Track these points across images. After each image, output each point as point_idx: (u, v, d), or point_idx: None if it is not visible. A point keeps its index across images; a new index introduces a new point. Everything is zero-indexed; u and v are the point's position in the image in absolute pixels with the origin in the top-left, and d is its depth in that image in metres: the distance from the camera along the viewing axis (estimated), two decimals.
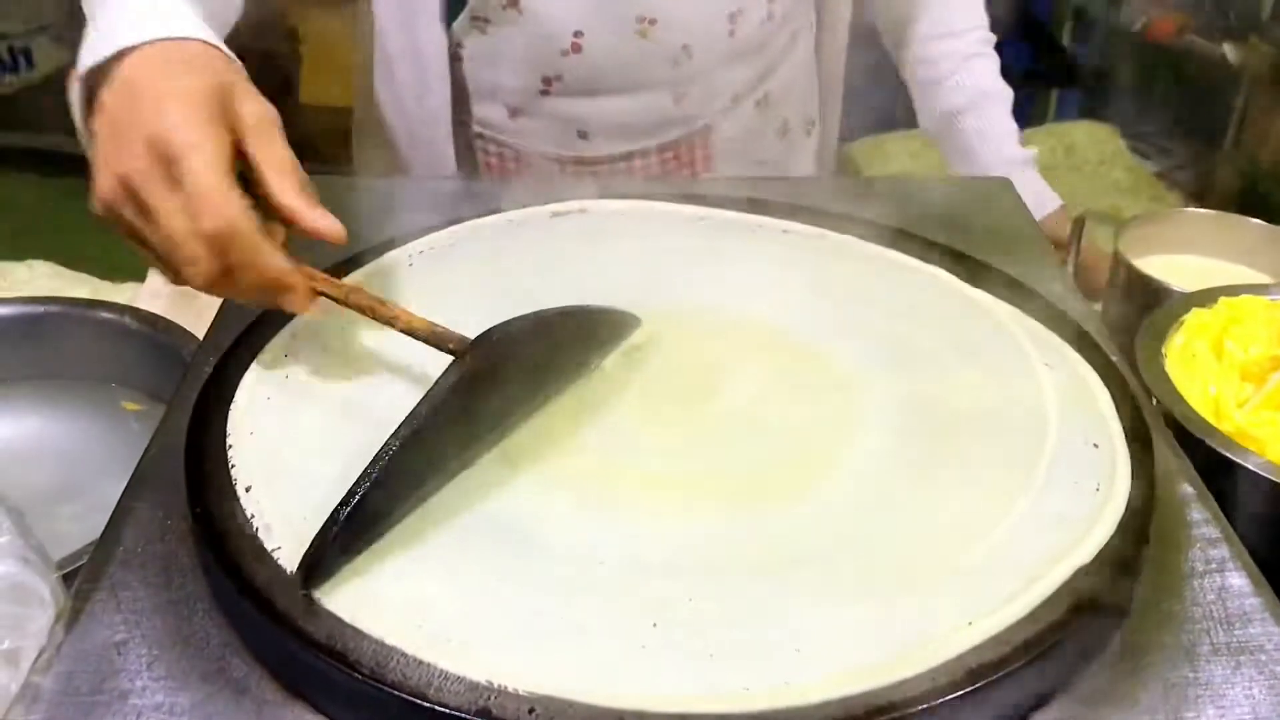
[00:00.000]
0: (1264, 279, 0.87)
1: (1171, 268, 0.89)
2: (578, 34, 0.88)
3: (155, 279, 1.03)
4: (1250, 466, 0.63)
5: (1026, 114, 2.85)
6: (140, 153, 0.56)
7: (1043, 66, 2.56)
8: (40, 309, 0.88)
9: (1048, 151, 2.18)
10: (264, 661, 0.49)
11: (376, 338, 0.64)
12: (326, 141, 3.41)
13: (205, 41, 0.62)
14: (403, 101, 0.96)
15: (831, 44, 1.06)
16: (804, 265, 0.72)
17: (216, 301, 0.70)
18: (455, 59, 0.91)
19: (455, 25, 0.90)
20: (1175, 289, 0.81)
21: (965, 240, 0.76)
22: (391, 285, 0.69)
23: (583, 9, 0.87)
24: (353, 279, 0.68)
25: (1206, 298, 0.75)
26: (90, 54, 0.62)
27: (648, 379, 0.63)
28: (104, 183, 0.58)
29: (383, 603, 0.48)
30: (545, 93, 0.92)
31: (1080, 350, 0.64)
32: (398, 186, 0.91)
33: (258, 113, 0.60)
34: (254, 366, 0.62)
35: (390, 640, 0.46)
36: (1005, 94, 1.04)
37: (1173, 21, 2.49)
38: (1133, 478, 0.55)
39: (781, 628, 0.47)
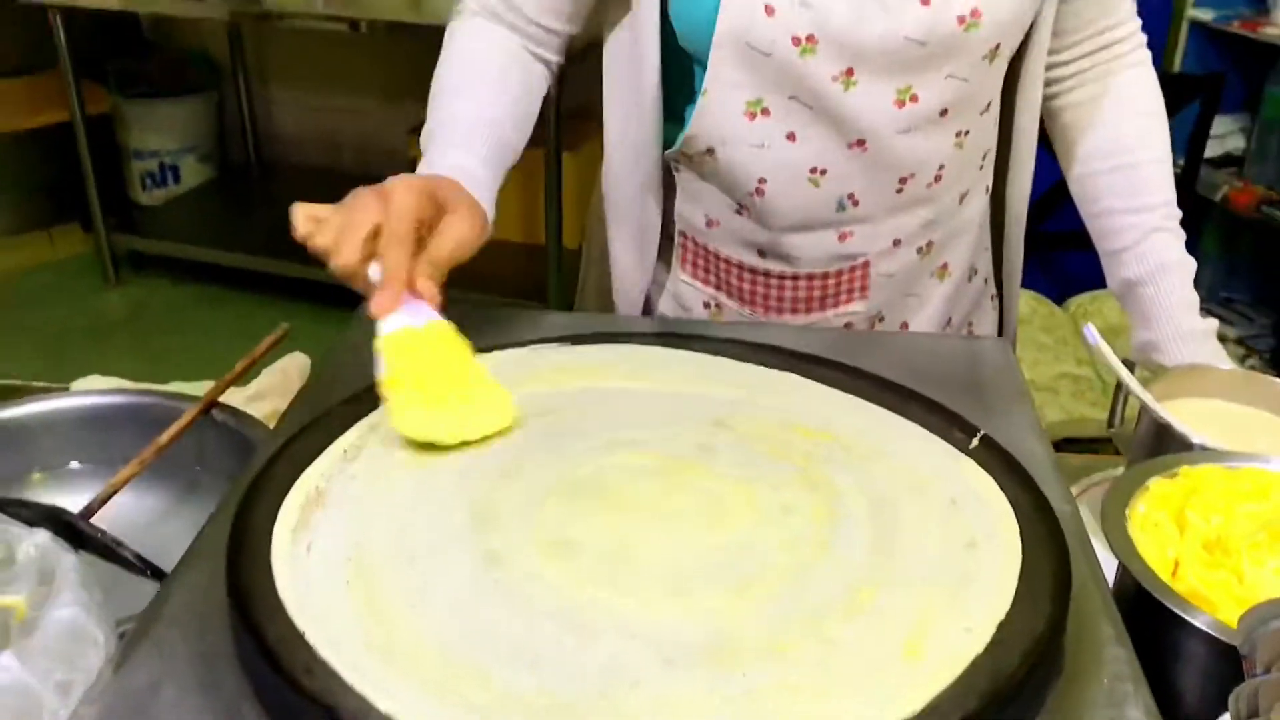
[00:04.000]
0: None
1: (1200, 412, 0.96)
2: (761, 180, 1.02)
3: (257, 385, 1.16)
4: (1199, 625, 0.68)
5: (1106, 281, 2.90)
6: (375, 188, 0.83)
7: None
8: (141, 399, 1.01)
9: (1117, 312, 2.22)
10: (269, 709, 0.57)
11: (427, 457, 0.74)
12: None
13: (456, 181, 0.90)
14: (620, 207, 1.12)
15: (1011, 211, 1.15)
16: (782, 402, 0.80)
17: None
18: (675, 168, 1.09)
19: (669, 153, 1.07)
20: (1194, 438, 0.86)
21: (948, 392, 0.83)
22: None
23: (765, 161, 1.01)
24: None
25: (1168, 465, 0.80)
26: None
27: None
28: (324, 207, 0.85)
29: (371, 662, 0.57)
30: (738, 213, 1.07)
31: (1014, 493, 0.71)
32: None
33: (457, 225, 0.86)
34: (312, 466, 0.73)
35: (370, 699, 0.55)
36: (1187, 266, 1.09)
37: (1251, 193, 2.53)
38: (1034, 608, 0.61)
39: None
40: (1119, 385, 1.02)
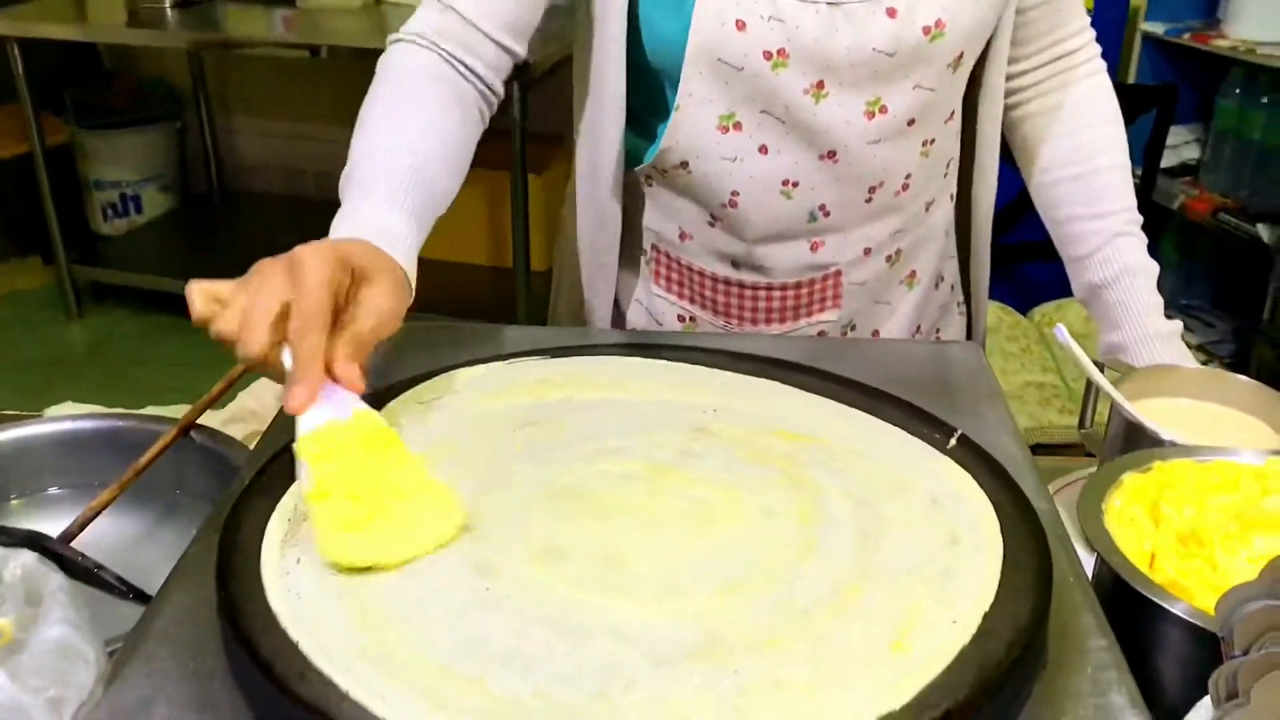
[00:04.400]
0: (1252, 420, 0.95)
1: (1169, 410, 0.98)
2: (734, 193, 1.04)
3: (232, 408, 1.16)
4: (1178, 613, 0.70)
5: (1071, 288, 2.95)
6: (280, 259, 0.75)
7: None
8: (118, 423, 1.01)
9: (1081, 321, 2.26)
10: None
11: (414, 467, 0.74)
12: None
13: (371, 244, 0.81)
14: (590, 224, 1.12)
15: (976, 218, 1.17)
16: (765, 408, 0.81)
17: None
18: (647, 182, 1.09)
19: (640, 169, 1.07)
20: (1164, 435, 0.88)
21: (922, 395, 0.84)
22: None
23: (737, 175, 1.02)
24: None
25: (1141, 460, 0.82)
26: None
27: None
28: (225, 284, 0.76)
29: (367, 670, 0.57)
30: (711, 225, 1.08)
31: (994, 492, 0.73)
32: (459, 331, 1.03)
33: (377, 297, 0.77)
34: (298, 481, 0.73)
35: (366, 706, 0.55)
36: (1150, 269, 1.12)
37: (1207, 201, 2.58)
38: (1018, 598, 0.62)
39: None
40: (1089, 387, 1.04)
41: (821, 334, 1.12)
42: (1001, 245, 2.47)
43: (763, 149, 1.00)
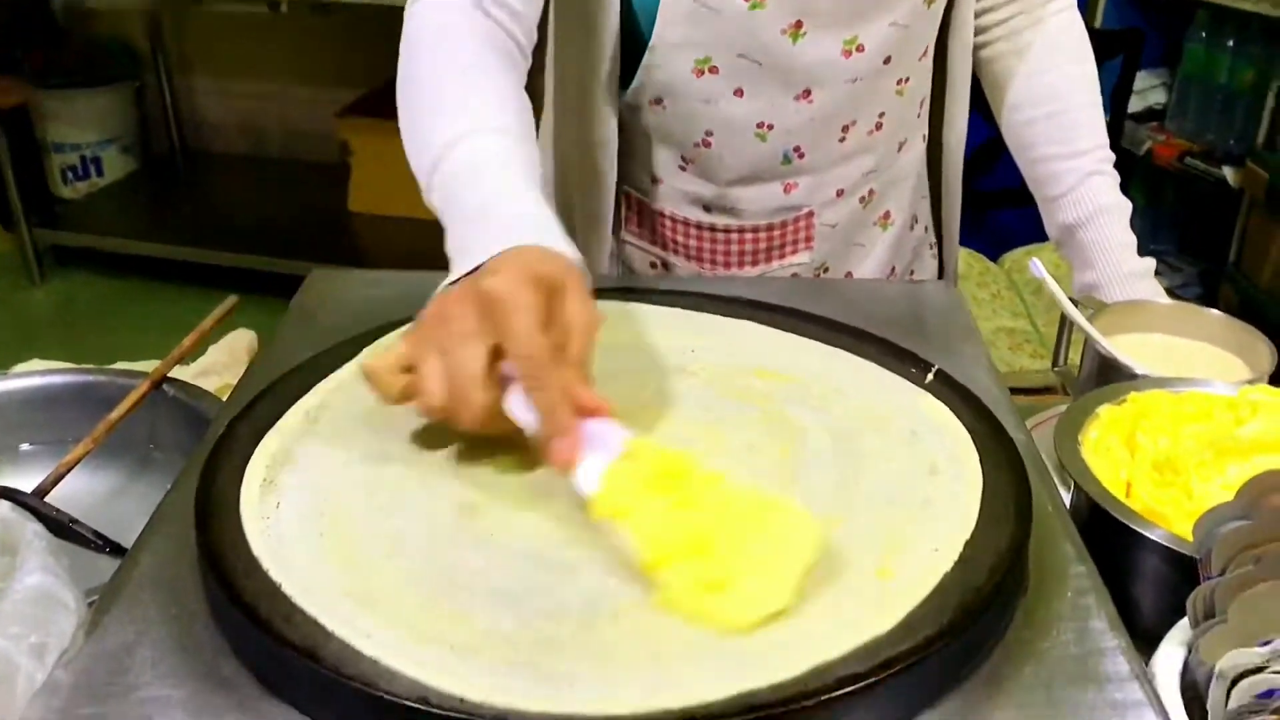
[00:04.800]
0: (1223, 353, 0.97)
1: (1142, 345, 0.99)
2: (708, 133, 1.03)
3: (204, 361, 1.15)
4: (1154, 538, 0.70)
5: (1040, 232, 2.96)
6: (464, 297, 0.66)
7: None
8: (90, 378, 1.00)
9: (1051, 266, 2.26)
10: (249, 663, 0.57)
11: (390, 416, 0.72)
12: (375, 246, 3.56)
13: (545, 248, 0.71)
14: (571, 172, 1.10)
15: (948, 158, 1.17)
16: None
17: None
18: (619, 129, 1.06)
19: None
20: (1138, 369, 0.89)
21: (899, 334, 0.84)
22: None
23: (713, 116, 1.01)
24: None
25: (1116, 393, 0.82)
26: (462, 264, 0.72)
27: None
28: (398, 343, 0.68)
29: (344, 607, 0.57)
30: (682, 169, 1.07)
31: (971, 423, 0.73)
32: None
33: (577, 308, 0.68)
34: (280, 422, 0.72)
35: (352, 643, 0.55)
36: (1123, 208, 1.12)
37: (1174, 146, 2.59)
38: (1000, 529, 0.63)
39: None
40: (1062, 326, 1.05)
41: (795, 276, 1.12)
42: (971, 192, 2.48)
43: (738, 92, 0.99)
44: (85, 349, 3.06)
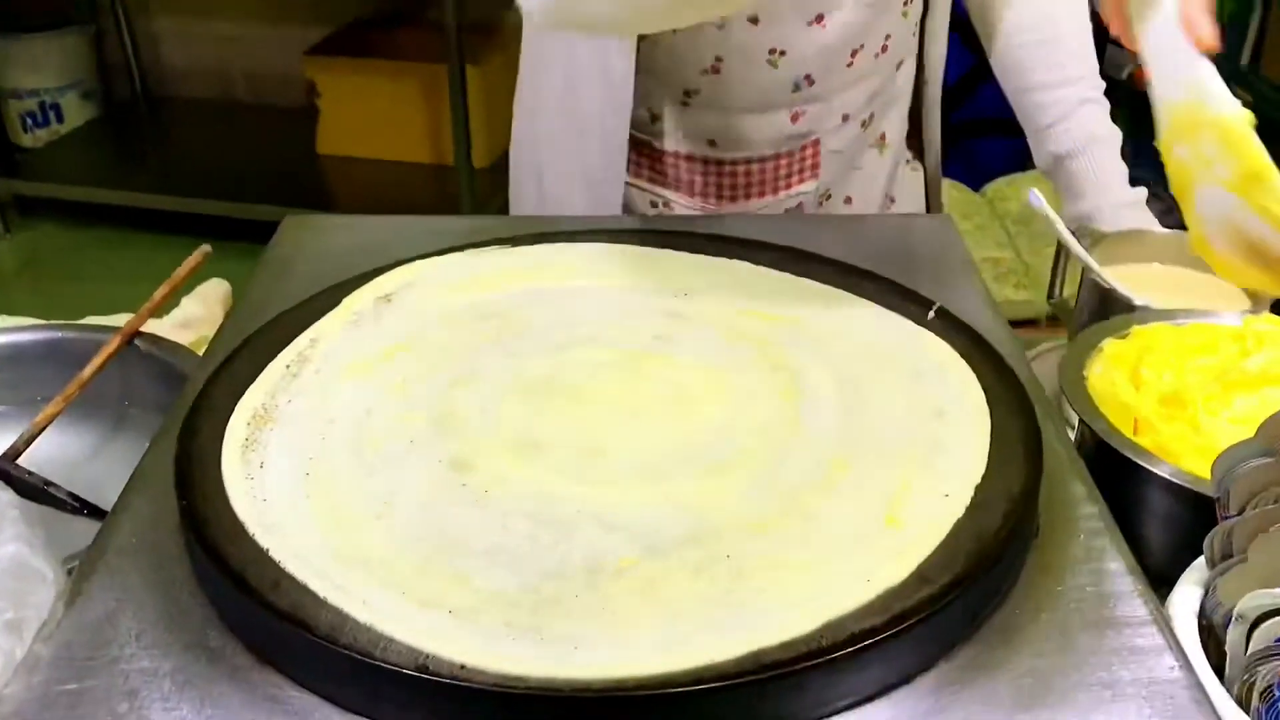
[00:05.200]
0: (1223, 282, 0.94)
1: (1140, 276, 0.97)
2: (718, 59, 0.99)
3: (178, 313, 1.11)
4: (1162, 474, 0.69)
5: (1020, 160, 2.93)
6: None
7: None
8: (59, 334, 0.96)
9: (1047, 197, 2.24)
10: (237, 632, 0.55)
11: (373, 368, 0.71)
12: (344, 189, 3.48)
13: None
14: (586, 120, 1.05)
15: (930, 75, 1.14)
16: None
17: None
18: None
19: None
20: (1137, 300, 0.87)
21: (896, 270, 0.82)
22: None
23: (726, 42, 0.98)
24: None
25: (1120, 326, 0.80)
26: None
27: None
28: None
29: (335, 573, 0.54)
30: (685, 104, 1.03)
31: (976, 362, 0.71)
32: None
33: None
34: (255, 383, 0.69)
35: (345, 610, 0.52)
36: (1114, 138, 1.10)
37: None
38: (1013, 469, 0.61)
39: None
40: (1057, 257, 1.02)
41: (800, 206, 1.10)
42: (951, 122, 2.43)
43: (754, 19, 0.97)
44: (54, 300, 3.00)
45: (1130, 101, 2.81)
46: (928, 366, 0.70)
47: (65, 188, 3.33)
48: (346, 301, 0.77)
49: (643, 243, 0.85)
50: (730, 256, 0.83)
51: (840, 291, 0.79)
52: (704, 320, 0.75)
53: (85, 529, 0.82)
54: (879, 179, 1.15)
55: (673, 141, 1.07)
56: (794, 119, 1.04)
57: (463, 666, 0.49)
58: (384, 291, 0.79)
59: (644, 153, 1.09)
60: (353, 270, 0.83)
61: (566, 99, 1.06)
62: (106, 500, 0.84)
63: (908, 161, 1.21)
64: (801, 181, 1.08)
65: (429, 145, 3.24)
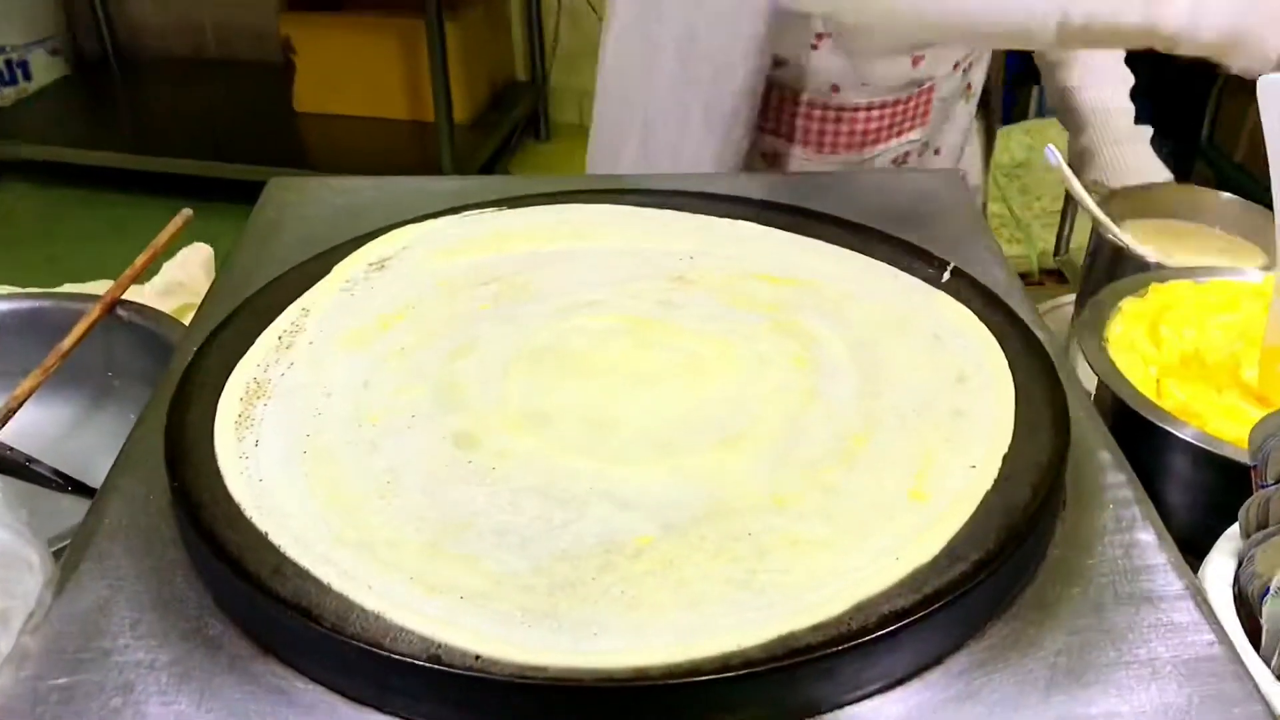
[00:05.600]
0: (1235, 238, 0.93)
1: (1150, 231, 0.95)
2: None
3: (160, 280, 1.08)
4: (1185, 437, 0.67)
5: (1008, 111, 2.89)
6: None
7: (1022, 63, 2.59)
8: (37, 304, 0.93)
9: (1025, 149, 2.21)
10: (237, 620, 0.53)
11: (368, 339, 0.68)
12: (322, 147, 3.42)
13: None
14: (714, 64, 1.03)
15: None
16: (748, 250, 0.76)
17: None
18: None
19: None
20: (1151, 258, 0.85)
21: (906, 228, 0.79)
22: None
23: None
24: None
25: (1138, 285, 0.78)
26: None
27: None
28: None
29: (342, 560, 0.52)
30: (814, 47, 1.02)
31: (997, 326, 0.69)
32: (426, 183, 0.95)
33: None
34: (246, 356, 0.66)
35: (351, 597, 0.50)
36: (1126, 77, 1.12)
37: None
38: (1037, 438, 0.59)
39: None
40: (1065, 212, 1.00)
41: (906, 155, 1.10)
42: None
43: None
44: (30, 264, 2.94)
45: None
46: (945, 330, 0.68)
47: (35, 147, 3.26)
48: (338, 268, 0.74)
49: (645, 203, 0.82)
50: (735, 217, 0.80)
51: (850, 252, 0.76)
52: (711, 284, 0.73)
53: (71, 507, 0.79)
54: (962, 130, 1.15)
55: (796, 87, 1.05)
56: (914, 63, 1.04)
57: (478, 657, 0.47)
58: (377, 257, 0.76)
59: (764, 101, 1.06)
60: (342, 234, 0.80)
61: (686, 46, 1.03)
62: (91, 476, 0.82)
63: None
64: (912, 129, 1.09)
65: (408, 101, 3.18)
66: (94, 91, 3.65)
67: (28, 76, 3.54)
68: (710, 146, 1.05)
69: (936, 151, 1.14)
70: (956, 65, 1.07)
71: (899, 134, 1.08)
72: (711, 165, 1.05)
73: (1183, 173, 2.61)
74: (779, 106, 1.07)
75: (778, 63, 1.04)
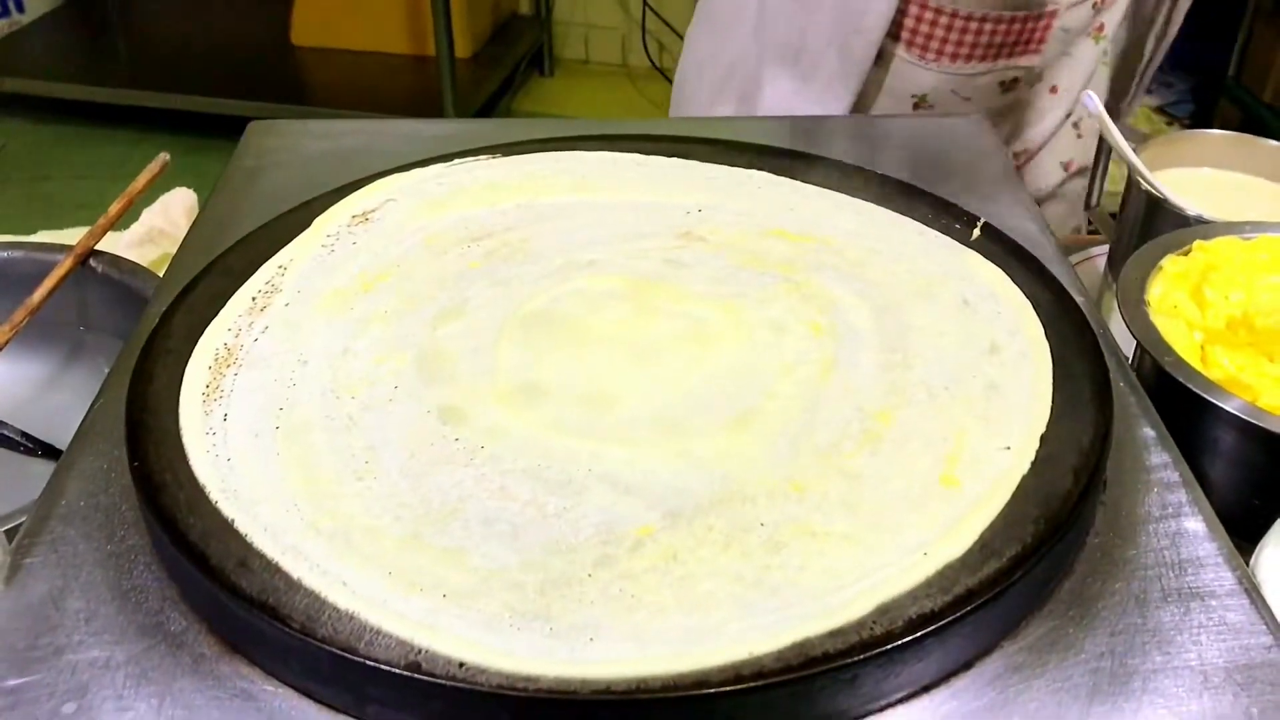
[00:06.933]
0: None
1: (1189, 181, 0.89)
2: None
3: (138, 228, 1.02)
4: (1232, 410, 0.61)
5: None
6: None
7: None
8: (5, 254, 0.87)
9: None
10: (201, 615, 0.48)
11: (349, 300, 0.63)
12: (320, 82, 3.35)
13: None
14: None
15: None
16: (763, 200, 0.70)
17: None
18: None
19: None
20: (1190, 210, 0.79)
21: (931, 178, 0.74)
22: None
23: None
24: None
25: (1180, 241, 0.73)
26: None
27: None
28: None
29: (313, 554, 0.47)
30: None
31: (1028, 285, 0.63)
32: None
33: None
34: (217, 320, 0.61)
35: (323, 594, 0.45)
36: None
37: None
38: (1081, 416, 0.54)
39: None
40: (1097, 162, 0.94)
41: (1015, 80, 1.07)
42: None
43: None
44: (24, 201, 2.89)
45: None
46: (975, 293, 0.62)
47: (28, 81, 3.19)
48: (318, 222, 0.69)
49: (651, 151, 0.76)
50: (747, 166, 0.74)
51: (872, 205, 0.70)
52: (721, 241, 0.67)
53: (41, 471, 0.75)
54: (1085, 72, 1.11)
55: None
56: None
57: (461, 665, 0.42)
58: (360, 209, 0.70)
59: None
60: (325, 183, 0.74)
61: None
62: (61, 438, 0.77)
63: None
64: (1025, 53, 1.05)
65: (409, 36, 3.10)
66: (89, 23, 3.56)
67: (20, 8, 3.45)
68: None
69: (1053, 90, 1.11)
70: None
71: (1009, 55, 1.05)
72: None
73: (1202, 110, 2.53)
74: (903, 9, 1.04)
75: None
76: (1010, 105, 1.11)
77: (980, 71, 1.06)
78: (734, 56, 1.14)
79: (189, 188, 1.07)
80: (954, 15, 1.02)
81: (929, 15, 1.03)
